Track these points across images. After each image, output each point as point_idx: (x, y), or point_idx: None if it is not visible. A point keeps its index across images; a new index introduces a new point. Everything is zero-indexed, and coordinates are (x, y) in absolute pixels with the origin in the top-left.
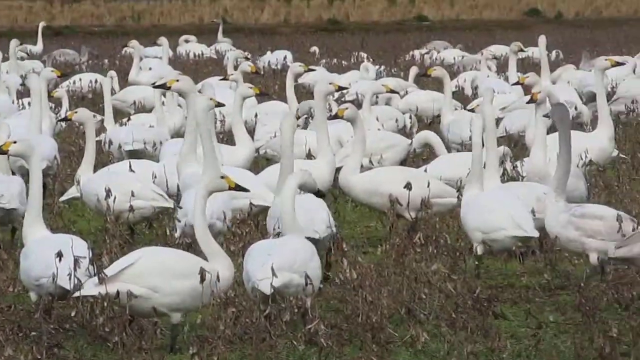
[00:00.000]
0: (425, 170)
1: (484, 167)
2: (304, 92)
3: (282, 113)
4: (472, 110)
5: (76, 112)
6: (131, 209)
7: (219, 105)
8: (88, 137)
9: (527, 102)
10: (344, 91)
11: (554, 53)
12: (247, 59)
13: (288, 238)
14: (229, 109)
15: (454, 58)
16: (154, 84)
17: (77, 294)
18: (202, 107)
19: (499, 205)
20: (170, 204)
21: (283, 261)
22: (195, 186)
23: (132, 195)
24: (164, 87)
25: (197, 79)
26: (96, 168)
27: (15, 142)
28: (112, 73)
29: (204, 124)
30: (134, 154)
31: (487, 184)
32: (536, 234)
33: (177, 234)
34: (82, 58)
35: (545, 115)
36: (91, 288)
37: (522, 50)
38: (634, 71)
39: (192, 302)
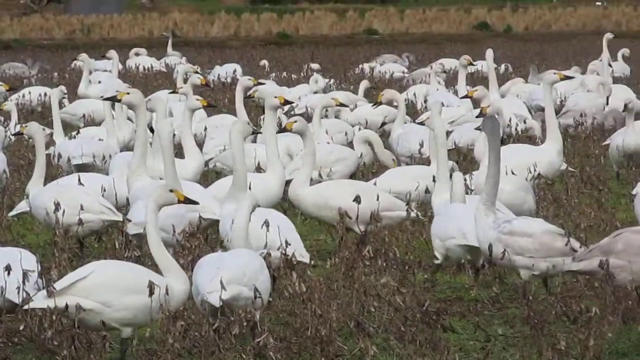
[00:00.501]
0: (375, 184)
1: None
2: (254, 106)
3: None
4: (421, 124)
5: (26, 126)
6: (80, 222)
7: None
8: (38, 150)
9: (477, 117)
10: (294, 104)
11: (502, 66)
12: (196, 72)
13: (237, 251)
14: (178, 122)
15: (403, 72)
16: (103, 97)
17: (26, 306)
18: (168, 131)
19: (454, 215)
20: (119, 217)
21: (232, 274)
22: (144, 200)
23: (81, 208)
24: (114, 100)
25: (147, 92)
26: (46, 181)
27: None
28: (62, 88)
29: (168, 147)
30: (83, 168)
31: (436, 199)
32: (474, 242)
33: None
34: (31, 71)
35: (477, 128)
36: (40, 301)
37: (471, 64)
38: (582, 85)
39: (144, 317)
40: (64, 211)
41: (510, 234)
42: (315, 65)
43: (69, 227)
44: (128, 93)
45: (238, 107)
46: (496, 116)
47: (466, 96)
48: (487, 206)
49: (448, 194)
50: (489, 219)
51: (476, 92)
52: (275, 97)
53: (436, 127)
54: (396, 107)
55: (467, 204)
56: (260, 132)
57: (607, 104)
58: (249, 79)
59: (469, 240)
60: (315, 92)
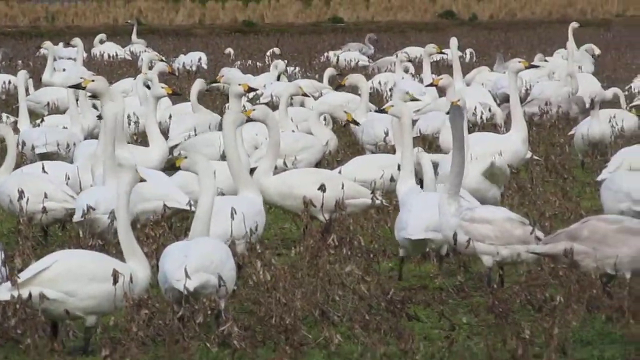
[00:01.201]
0: (340, 172)
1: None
2: (219, 94)
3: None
4: (381, 111)
5: None
6: (44, 210)
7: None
8: (9, 145)
9: (447, 113)
10: (258, 92)
11: (467, 54)
12: (161, 60)
13: (204, 240)
14: (143, 110)
15: (368, 61)
16: (68, 85)
17: None
18: (112, 113)
19: (405, 207)
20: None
21: (200, 262)
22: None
23: (45, 197)
24: (79, 87)
25: (112, 80)
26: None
27: None
28: (24, 72)
29: (110, 130)
30: (47, 156)
31: (401, 186)
32: (420, 236)
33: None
34: None
35: (447, 112)
36: (4, 293)
37: (441, 52)
38: (549, 75)
39: (108, 305)
40: (27, 199)
41: (472, 221)
42: (276, 50)
43: (33, 215)
44: (93, 80)
45: (193, 104)
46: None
47: (431, 84)
48: (451, 194)
49: (413, 181)
50: (451, 207)
51: (441, 80)
52: (240, 84)
53: (403, 114)
54: (359, 95)
55: (424, 194)
56: (257, 90)
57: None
58: (203, 81)
59: (409, 234)
60: (278, 78)
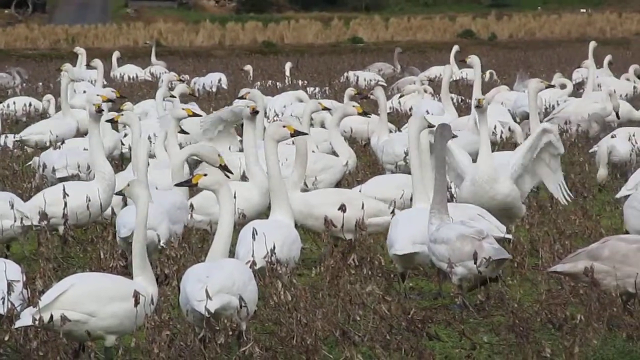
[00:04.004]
0: (360, 191)
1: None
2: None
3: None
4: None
5: None
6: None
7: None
8: None
9: (476, 107)
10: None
11: (487, 74)
12: (181, 81)
13: (225, 261)
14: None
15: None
16: (107, 120)
17: (15, 325)
18: (144, 152)
19: (395, 223)
20: (31, 222)
21: (222, 283)
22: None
23: None
24: (112, 122)
25: (132, 101)
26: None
27: None
28: (49, 97)
29: (142, 168)
30: (67, 179)
31: (418, 206)
32: (408, 250)
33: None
34: (15, 81)
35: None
36: (27, 318)
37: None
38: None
39: (129, 324)
40: None
41: (434, 242)
42: (288, 64)
43: None
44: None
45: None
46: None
47: (478, 106)
48: (433, 214)
49: (427, 203)
50: (432, 226)
51: (484, 100)
52: (248, 105)
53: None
54: (378, 114)
55: (411, 210)
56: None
57: (618, 118)
58: (183, 109)
59: (396, 250)
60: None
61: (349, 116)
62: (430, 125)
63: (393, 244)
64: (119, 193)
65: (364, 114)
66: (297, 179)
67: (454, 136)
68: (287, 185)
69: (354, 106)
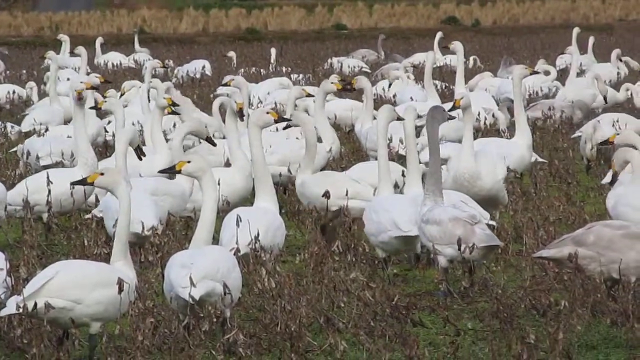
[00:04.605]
0: None
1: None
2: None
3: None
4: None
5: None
6: None
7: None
8: None
9: (450, 110)
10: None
11: (471, 60)
12: (165, 67)
13: (210, 248)
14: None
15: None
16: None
17: (0, 313)
18: (124, 140)
19: (384, 208)
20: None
21: (206, 270)
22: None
23: None
24: (96, 108)
25: (117, 88)
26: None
27: None
28: (32, 84)
29: (122, 153)
30: (51, 166)
31: (407, 192)
32: (416, 232)
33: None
34: None
35: (451, 117)
36: (11, 307)
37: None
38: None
39: (114, 311)
40: None
41: (426, 222)
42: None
43: None
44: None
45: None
46: (465, 109)
47: (454, 107)
48: (428, 195)
49: (419, 188)
50: (424, 207)
51: (462, 100)
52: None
53: (406, 127)
54: (362, 101)
55: (394, 196)
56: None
57: (605, 102)
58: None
59: (404, 231)
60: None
61: (330, 93)
62: (399, 118)
63: (397, 225)
64: (173, 171)
65: (345, 88)
66: (304, 167)
67: (451, 118)
68: (300, 168)
69: (332, 83)
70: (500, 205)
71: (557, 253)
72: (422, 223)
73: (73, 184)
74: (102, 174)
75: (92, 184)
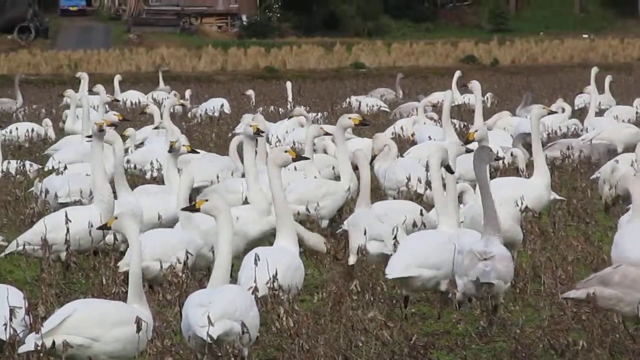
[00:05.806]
0: None
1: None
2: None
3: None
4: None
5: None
6: None
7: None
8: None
9: (465, 144)
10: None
11: (488, 99)
12: (182, 105)
13: (227, 287)
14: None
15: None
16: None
17: (19, 351)
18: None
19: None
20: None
21: (224, 309)
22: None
23: None
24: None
25: (135, 126)
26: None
27: None
28: (47, 121)
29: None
30: (69, 205)
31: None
32: (400, 274)
33: None
34: (17, 104)
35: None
36: (30, 344)
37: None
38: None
39: (132, 348)
40: None
41: (459, 252)
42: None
43: None
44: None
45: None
46: (481, 142)
47: (467, 141)
48: (486, 231)
49: (455, 221)
50: (479, 244)
51: (477, 133)
52: (250, 125)
53: (431, 168)
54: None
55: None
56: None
57: None
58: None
59: (386, 273)
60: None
61: (348, 128)
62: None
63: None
64: (191, 209)
65: (362, 123)
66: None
67: (498, 158)
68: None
69: (349, 118)
70: (516, 246)
71: (584, 294)
72: (457, 253)
73: (183, 209)
74: (206, 200)
75: (199, 210)
